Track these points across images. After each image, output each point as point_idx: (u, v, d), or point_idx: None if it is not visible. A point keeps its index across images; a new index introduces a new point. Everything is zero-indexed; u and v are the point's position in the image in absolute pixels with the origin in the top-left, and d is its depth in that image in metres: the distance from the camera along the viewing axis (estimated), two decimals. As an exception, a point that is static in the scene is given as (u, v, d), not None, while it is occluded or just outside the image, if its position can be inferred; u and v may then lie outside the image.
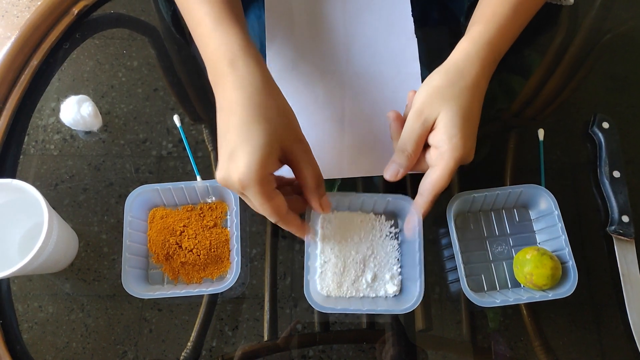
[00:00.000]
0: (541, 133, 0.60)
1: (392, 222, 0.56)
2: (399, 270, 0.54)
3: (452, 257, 0.52)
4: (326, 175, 0.57)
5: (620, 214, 0.56)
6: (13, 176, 0.59)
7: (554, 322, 0.55)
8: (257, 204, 0.46)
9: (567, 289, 0.51)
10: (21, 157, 0.60)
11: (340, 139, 0.59)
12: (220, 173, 0.46)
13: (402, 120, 0.53)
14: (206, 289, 0.51)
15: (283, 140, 0.46)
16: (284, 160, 0.48)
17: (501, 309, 0.55)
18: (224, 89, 0.47)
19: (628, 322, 0.54)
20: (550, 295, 0.51)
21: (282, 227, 0.50)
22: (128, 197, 0.53)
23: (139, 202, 0.54)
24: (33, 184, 0.49)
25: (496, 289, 0.54)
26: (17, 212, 0.54)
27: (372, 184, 0.59)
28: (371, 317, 0.54)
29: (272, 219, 0.48)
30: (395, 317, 0.54)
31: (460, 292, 0.52)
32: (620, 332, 0.54)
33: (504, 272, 0.55)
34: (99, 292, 0.55)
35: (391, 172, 0.52)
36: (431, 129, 0.50)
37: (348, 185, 0.59)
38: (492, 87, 0.64)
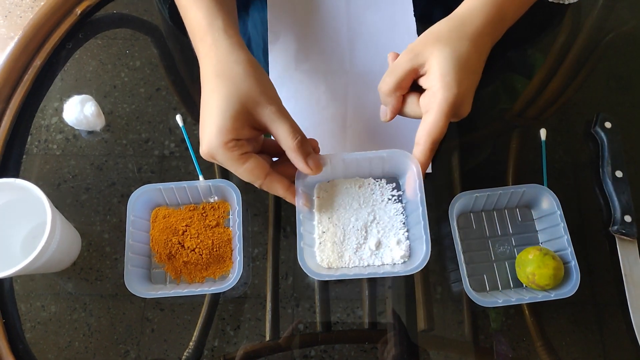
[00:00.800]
0: (543, 133, 0.60)
1: (394, 185, 0.54)
2: (406, 234, 0.52)
3: (455, 256, 0.52)
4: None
5: (623, 213, 0.56)
6: (16, 176, 0.59)
7: (556, 322, 0.54)
8: (232, 170, 0.47)
9: (570, 289, 0.51)
10: (24, 156, 0.61)
11: (342, 138, 0.59)
12: (200, 149, 0.47)
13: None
14: (208, 289, 0.52)
15: (247, 104, 0.46)
16: (257, 125, 0.47)
17: (503, 309, 0.55)
18: (200, 63, 0.49)
19: (630, 322, 0.53)
20: (553, 295, 0.51)
21: (271, 193, 0.49)
22: (131, 197, 0.53)
23: (142, 201, 0.55)
24: (36, 183, 0.49)
25: (498, 289, 0.54)
26: (20, 211, 0.54)
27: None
28: (373, 317, 0.54)
29: (255, 184, 0.48)
30: (397, 317, 0.54)
31: (462, 292, 0.52)
32: (623, 332, 0.54)
33: (506, 272, 0.55)
34: (101, 291, 0.55)
35: (381, 113, 0.50)
36: (423, 73, 0.48)
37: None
38: (494, 87, 0.64)
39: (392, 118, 0.50)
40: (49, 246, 0.48)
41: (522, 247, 0.55)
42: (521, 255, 0.53)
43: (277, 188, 0.48)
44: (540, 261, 0.51)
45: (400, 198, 0.53)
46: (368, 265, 0.51)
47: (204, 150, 0.46)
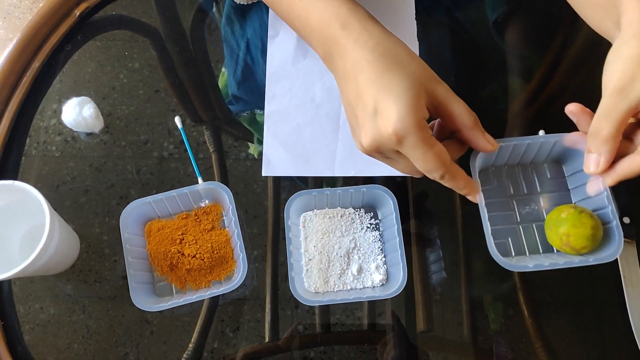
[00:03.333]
0: (541, 134, 0.60)
1: (372, 214, 0.57)
2: (384, 259, 0.55)
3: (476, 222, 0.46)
4: (317, 172, 0.58)
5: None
6: (15, 177, 0.59)
7: (555, 324, 0.55)
8: (419, 155, 0.41)
9: (611, 252, 0.44)
10: (23, 158, 0.60)
11: (334, 138, 0.60)
12: (368, 136, 0.42)
13: (589, 112, 0.46)
14: (217, 290, 0.51)
15: (424, 82, 0.42)
16: (429, 105, 0.43)
17: (502, 310, 0.55)
18: (342, 54, 0.44)
19: (629, 324, 0.54)
20: (592, 260, 0.44)
21: (446, 185, 0.43)
22: (122, 214, 0.53)
23: (133, 217, 0.54)
24: (35, 185, 0.49)
25: (525, 254, 0.48)
26: (19, 213, 0.54)
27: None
28: (372, 318, 0.55)
29: (436, 173, 0.42)
30: (396, 318, 0.54)
31: (460, 293, 0.52)
32: (621, 334, 0.54)
33: (534, 236, 0.49)
34: (100, 293, 0.55)
35: (593, 162, 0.43)
36: None
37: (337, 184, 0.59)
38: (492, 89, 0.64)
39: (605, 168, 0.44)
40: (47, 248, 0.47)
41: (551, 208, 0.48)
42: (552, 214, 0.47)
43: (459, 178, 0.43)
44: (575, 220, 0.44)
45: (377, 226, 0.56)
46: (351, 289, 0.54)
47: (386, 133, 0.40)
